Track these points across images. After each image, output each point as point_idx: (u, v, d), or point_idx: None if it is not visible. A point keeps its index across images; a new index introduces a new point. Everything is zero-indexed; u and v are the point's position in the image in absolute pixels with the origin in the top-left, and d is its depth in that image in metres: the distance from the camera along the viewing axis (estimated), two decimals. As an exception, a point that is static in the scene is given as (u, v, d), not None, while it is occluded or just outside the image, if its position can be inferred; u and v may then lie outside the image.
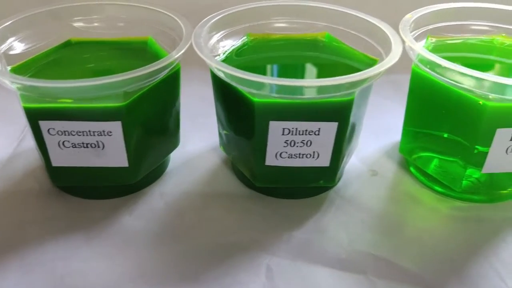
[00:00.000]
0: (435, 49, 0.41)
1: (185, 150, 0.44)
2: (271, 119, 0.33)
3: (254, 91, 0.32)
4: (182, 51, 0.34)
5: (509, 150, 0.35)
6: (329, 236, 0.36)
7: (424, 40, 0.41)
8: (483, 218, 0.37)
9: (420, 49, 0.35)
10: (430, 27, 0.41)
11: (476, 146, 0.35)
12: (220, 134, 0.40)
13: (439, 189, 0.40)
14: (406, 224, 0.37)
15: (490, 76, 0.31)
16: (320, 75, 0.40)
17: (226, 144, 0.40)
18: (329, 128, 0.34)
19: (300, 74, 0.41)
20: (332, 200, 0.39)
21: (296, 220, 0.37)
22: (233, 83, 0.33)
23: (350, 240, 0.35)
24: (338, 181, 0.41)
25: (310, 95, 0.32)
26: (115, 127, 0.33)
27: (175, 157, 0.43)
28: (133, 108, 0.34)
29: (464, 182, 0.37)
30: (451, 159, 0.37)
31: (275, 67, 0.41)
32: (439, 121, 0.37)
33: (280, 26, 0.42)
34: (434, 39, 0.41)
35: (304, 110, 0.33)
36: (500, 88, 0.32)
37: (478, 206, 0.38)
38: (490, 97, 0.32)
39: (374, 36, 0.38)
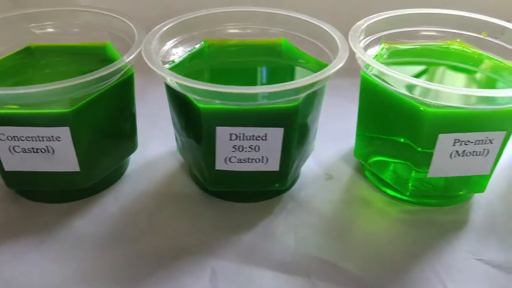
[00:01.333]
0: (389, 55, 0.42)
1: (145, 154, 0.44)
2: (217, 124, 0.34)
3: (197, 97, 0.33)
4: (131, 57, 0.35)
5: (453, 155, 0.35)
6: (277, 240, 0.36)
7: (378, 46, 0.41)
8: (432, 221, 0.38)
9: (362, 55, 0.35)
10: (384, 33, 0.42)
11: (423, 151, 0.35)
12: (176, 138, 0.41)
13: (392, 193, 0.40)
14: (354, 227, 0.37)
15: (426, 83, 0.32)
16: (274, 80, 0.40)
17: (181, 148, 0.40)
18: (276, 134, 0.35)
19: (255, 80, 0.41)
20: (285, 203, 0.39)
21: (246, 223, 0.37)
22: (179, 90, 0.33)
23: (298, 244, 0.36)
24: (293, 184, 0.41)
25: (254, 102, 0.33)
26: (63, 132, 0.34)
27: (134, 160, 0.43)
28: (82, 114, 0.34)
29: (410, 185, 0.37)
30: (401, 162, 0.38)
31: (230, 72, 0.42)
32: (388, 126, 0.38)
33: (235, 32, 0.42)
34: (387, 45, 0.42)
35: (250, 116, 0.34)
36: (439, 95, 0.32)
37: (428, 209, 0.39)
38: (430, 103, 0.33)
39: (326, 42, 0.39)
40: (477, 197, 0.40)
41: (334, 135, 0.46)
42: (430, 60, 0.42)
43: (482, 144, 0.35)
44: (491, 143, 0.35)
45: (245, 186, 0.38)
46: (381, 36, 0.42)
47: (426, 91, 0.33)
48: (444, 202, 0.40)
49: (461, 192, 0.39)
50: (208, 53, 0.42)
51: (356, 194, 0.41)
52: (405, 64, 0.42)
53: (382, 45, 0.42)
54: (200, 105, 0.33)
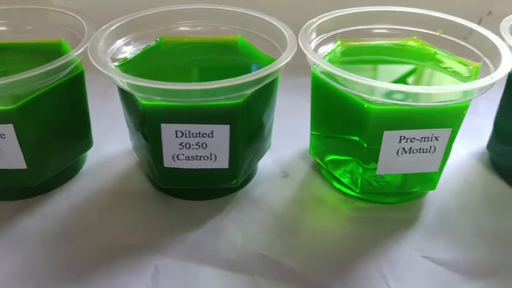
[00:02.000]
0: (344, 53, 0.42)
1: (102, 151, 0.44)
2: (162, 121, 0.34)
3: (141, 95, 0.33)
4: (78, 52, 0.35)
5: (400, 152, 0.35)
6: (225, 237, 0.36)
7: (332, 44, 0.41)
8: (382, 219, 0.38)
9: (309, 52, 0.35)
10: (340, 31, 0.42)
11: (370, 147, 0.35)
12: (130, 136, 0.40)
13: (346, 190, 0.40)
14: (303, 225, 0.37)
15: (364, 80, 0.32)
16: (225, 77, 0.40)
17: (134, 146, 0.40)
18: (222, 131, 0.35)
19: (211, 77, 0.41)
20: (238, 201, 0.39)
21: (196, 221, 0.37)
22: (122, 86, 0.33)
23: (245, 241, 0.36)
24: (248, 182, 0.41)
25: (197, 98, 0.33)
26: (8, 130, 0.34)
27: (91, 158, 0.43)
28: (27, 111, 0.34)
29: (360, 182, 0.37)
30: (352, 160, 0.38)
31: (186, 70, 0.41)
32: (337, 124, 0.38)
33: (189, 30, 0.42)
34: (343, 43, 0.42)
35: (194, 113, 0.34)
36: (382, 92, 0.32)
37: (381, 207, 0.39)
38: (374, 100, 0.33)
39: (278, 39, 0.39)
40: (431, 195, 0.40)
41: (294, 132, 0.46)
42: (385, 57, 0.42)
43: (428, 141, 0.35)
44: (437, 140, 0.35)
45: (196, 183, 0.38)
46: (337, 33, 0.42)
47: (372, 89, 0.33)
48: (397, 200, 0.40)
49: (414, 189, 0.39)
50: (164, 50, 0.42)
51: (310, 192, 0.41)
52: (360, 62, 0.42)
53: (338, 43, 0.42)
54: (144, 102, 0.33)
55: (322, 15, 0.41)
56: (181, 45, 0.43)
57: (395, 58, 0.42)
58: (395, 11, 0.42)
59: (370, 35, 0.42)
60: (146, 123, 0.34)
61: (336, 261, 0.34)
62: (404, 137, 0.34)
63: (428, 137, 0.34)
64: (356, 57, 0.42)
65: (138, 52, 0.40)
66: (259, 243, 0.36)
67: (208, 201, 0.39)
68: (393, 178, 0.38)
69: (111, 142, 0.45)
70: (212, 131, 0.34)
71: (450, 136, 0.35)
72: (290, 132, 0.46)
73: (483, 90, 0.32)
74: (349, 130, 0.36)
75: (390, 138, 0.34)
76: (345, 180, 0.39)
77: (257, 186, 0.41)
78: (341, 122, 0.37)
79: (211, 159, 0.36)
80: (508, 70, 0.33)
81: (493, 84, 0.32)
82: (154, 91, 0.31)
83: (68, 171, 0.41)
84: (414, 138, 0.34)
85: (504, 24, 0.39)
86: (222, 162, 0.36)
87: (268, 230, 0.37)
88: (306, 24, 0.39)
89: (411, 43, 0.42)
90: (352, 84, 0.33)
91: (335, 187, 0.41)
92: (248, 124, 0.36)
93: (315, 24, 0.39)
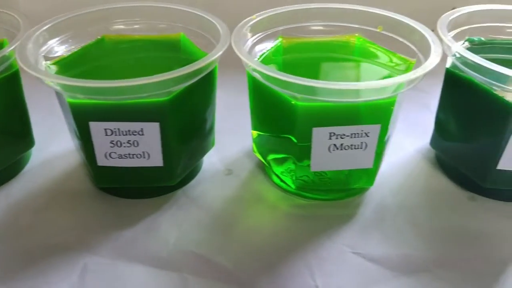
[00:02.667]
0: (286, 50, 0.42)
1: (47, 151, 0.44)
2: (89, 119, 0.34)
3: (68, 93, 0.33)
4: (7, 51, 0.35)
5: (331, 148, 0.35)
6: (158, 235, 0.36)
7: (273, 41, 0.41)
8: (319, 216, 0.38)
9: (238, 50, 0.35)
10: (281, 28, 0.42)
11: (301, 144, 0.35)
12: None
13: (286, 187, 0.40)
14: (240, 222, 0.37)
15: (287, 77, 0.31)
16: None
17: (75, 145, 0.40)
18: (152, 128, 0.34)
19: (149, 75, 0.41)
20: (177, 199, 0.39)
21: (131, 219, 0.37)
22: (54, 87, 0.33)
23: (178, 239, 0.36)
24: (190, 180, 0.41)
25: (123, 96, 0.33)
26: None
27: (35, 158, 0.43)
28: None
29: (295, 179, 0.37)
30: (289, 157, 0.38)
31: (126, 68, 0.41)
32: (271, 122, 0.38)
33: (125, 28, 0.42)
34: (284, 40, 0.42)
35: (122, 110, 0.34)
36: (307, 89, 0.32)
37: (320, 204, 0.39)
38: (301, 97, 0.33)
39: (215, 36, 0.39)
40: (372, 192, 0.40)
41: (241, 130, 0.46)
42: (327, 54, 0.42)
43: (358, 137, 0.35)
44: (368, 136, 0.35)
45: (132, 182, 0.38)
46: (278, 31, 0.42)
47: (295, 86, 0.32)
48: (337, 196, 0.40)
49: (355, 186, 0.39)
50: (104, 49, 0.42)
51: (252, 189, 0.41)
52: (302, 59, 0.42)
53: (279, 40, 0.42)
54: (70, 100, 0.33)
55: (261, 12, 0.41)
56: (122, 43, 0.42)
57: (337, 55, 0.42)
58: (336, 8, 0.42)
59: (311, 32, 0.42)
60: (75, 121, 0.34)
61: (267, 258, 0.34)
62: (334, 134, 0.34)
63: (358, 133, 0.34)
64: (299, 54, 0.42)
65: (76, 50, 0.40)
66: (192, 241, 0.35)
67: (147, 200, 0.39)
68: (335, 174, 0.38)
69: (57, 141, 0.45)
70: (142, 128, 0.34)
71: (380, 132, 0.34)
72: (237, 130, 0.46)
73: (407, 85, 0.32)
74: (281, 128, 0.36)
75: (319, 135, 0.34)
76: (285, 178, 0.39)
77: (198, 184, 0.41)
78: (275, 120, 0.37)
79: (144, 157, 0.36)
80: (431, 67, 0.33)
81: (414, 79, 0.32)
82: (77, 89, 0.31)
83: (8, 170, 0.40)
84: (344, 135, 0.34)
85: (442, 20, 0.39)
86: (156, 160, 0.36)
87: (204, 228, 0.37)
88: (243, 22, 0.39)
89: (353, 40, 0.42)
90: (277, 81, 0.33)
91: (277, 185, 0.41)
92: (180, 122, 0.36)
93: (253, 21, 0.39)
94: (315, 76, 0.39)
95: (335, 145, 0.35)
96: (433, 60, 0.33)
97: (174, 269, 0.33)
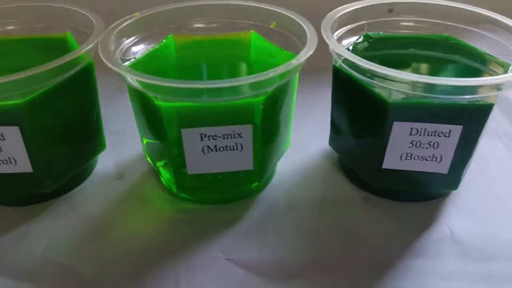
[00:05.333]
0: (179, 47, 0.40)
1: None
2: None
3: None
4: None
5: (205, 150, 0.34)
6: (27, 245, 0.34)
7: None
8: (202, 220, 0.36)
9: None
10: (171, 26, 0.40)
11: (174, 148, 0.34)
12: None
13: (176, 191, 0.38)
14: (117, 230, 0.36)
15: (146, 78, 0.30)
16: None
17: None
18: (12, 133, 0.33)
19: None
20: (57, 206, 0.38)
21: (3, 228, 0.35)
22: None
23: (46, 249, 0.34)
24: (76, 186, 0.39)
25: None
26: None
27: None
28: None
29: (176, 182, 0.36)
30: (167, 163, 0.36)
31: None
32: (147, 127, 0.36)
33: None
34: (178, 38, 0.40)
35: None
36: (168, 88, 0.31)
37: (207, 208, 0.37)
38: (165, 97, 0.31)
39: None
40: (265, 193, 0.39)
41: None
42: (215, 52, 0.41)
43: (231, 138, 0.33)
44: (241, 137, 0.33)
45: (2, 189, 0.36)
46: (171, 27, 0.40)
47: (158, 86, 0.31)
48: (225, 199, 0.38)
49: (239, 189, 0.38)
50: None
51: (139, 194, 0.39)
52: (194, 58, 0.41)
53: (172, 37, 0.40)
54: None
55: (144, 10, 0.39)
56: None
57: (232, 52, 0.41)
58: (229, 4, 0.41)
59: (202, 30, 0.41)
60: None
61: (134, 267, 0.33)
62: (205, 135, 0.33)
63: (230, 134, 0.33)
64: (192, 52, 0.41)
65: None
66: (59, 250, 0.34)
67: (25, 207, 0.37)
68: (215, 177, 0.36)
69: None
70: (1, 133, 0.33)
71: (253, 132, 0.33)
72: (135, 133, 0.44)
73: (270, 84, 0.31)
74: (154, 133, 0.35)
75: (189, 136, 0.33)
76: (171, 184, 0.37)
77: (84, 190, 0.39)
78: (149, 125, 0.35)
79: (10, 163, 0.34)
80: (295, 65, 0.31)
81: (281, 76, 0.31)
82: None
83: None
84: (216, 136, 0.33)
85: (327, 18, 0.38)
86: (24, 166, 0.34)
87: (76, 237, 0.35)
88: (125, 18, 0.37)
89: (247, 36, 0.41)
90: (143, 83, 0.31)
91: (166, 189, 0.39)
92: (45, 125, 0.34)
93: (137, 18, 0.38)
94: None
95: (208, 146, 0.33)
96: (300, 58, 0.32)
97: (35, 281, 0.32)
